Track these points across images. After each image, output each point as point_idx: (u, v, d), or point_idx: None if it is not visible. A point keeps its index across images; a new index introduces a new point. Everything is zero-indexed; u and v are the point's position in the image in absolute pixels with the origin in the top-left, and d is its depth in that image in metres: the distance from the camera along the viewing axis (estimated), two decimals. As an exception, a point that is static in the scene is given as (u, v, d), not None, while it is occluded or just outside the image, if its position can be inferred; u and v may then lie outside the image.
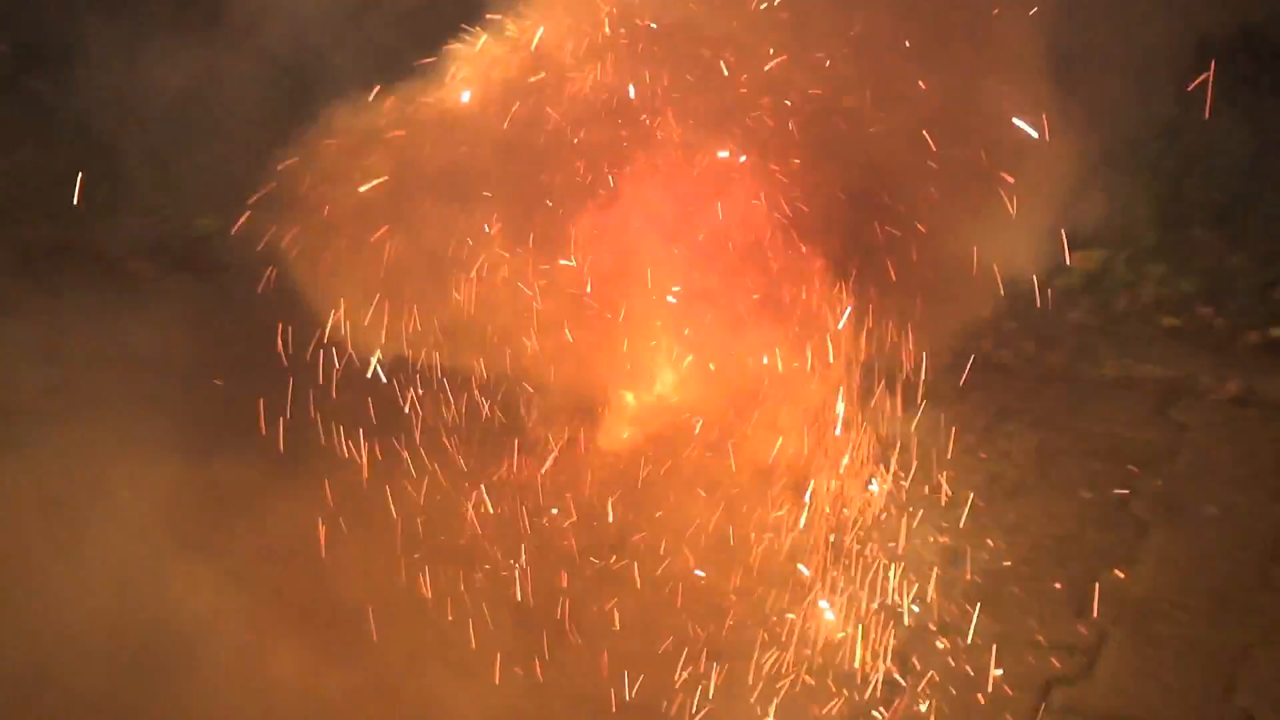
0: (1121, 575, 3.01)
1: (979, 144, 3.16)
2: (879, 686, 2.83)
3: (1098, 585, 2.96)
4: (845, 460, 3.23)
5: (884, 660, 2.88)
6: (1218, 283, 3.72)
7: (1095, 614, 2.92)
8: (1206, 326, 3.66)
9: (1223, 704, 2.71)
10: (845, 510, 3.20)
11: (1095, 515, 3.21)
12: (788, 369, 3.24)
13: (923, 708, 2.77)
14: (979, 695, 2.77)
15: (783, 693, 2.86)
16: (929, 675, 2.84)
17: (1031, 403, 3.53)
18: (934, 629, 2.93)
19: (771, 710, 2.88)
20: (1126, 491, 3.26)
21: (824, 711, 2.82)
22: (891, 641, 2.90)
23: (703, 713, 2.83)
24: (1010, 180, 3.20)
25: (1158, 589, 3.00)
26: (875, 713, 2.80)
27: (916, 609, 2.97)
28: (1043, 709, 2.73)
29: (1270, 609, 2.93)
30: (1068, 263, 3.37)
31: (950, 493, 3.17)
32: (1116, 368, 3.59)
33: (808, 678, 2.87)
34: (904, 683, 2.84)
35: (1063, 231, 3.31)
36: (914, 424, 3.25)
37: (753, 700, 2.88)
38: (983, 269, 3.19)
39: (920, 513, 3.15)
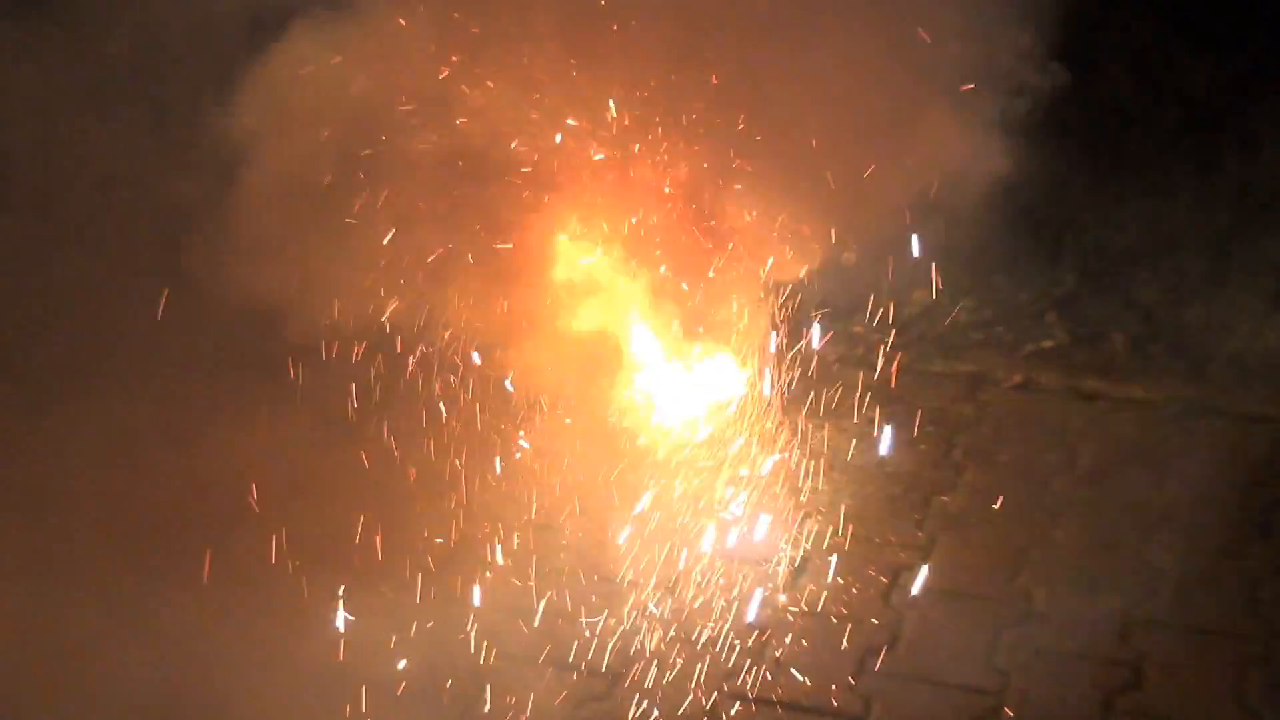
0: (946, 499, 3.22)
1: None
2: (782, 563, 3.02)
3: (929, 506, 3.20)
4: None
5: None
6: (1008, 312, 3.87)
7: (928, 525, 3.15)
8: (1000, 339, 3.81)
9: (1010, 584, 2.93)
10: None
11: (929, 461, 3.37)
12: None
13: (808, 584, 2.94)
14: (853, 578, 2.97)
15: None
16: (806, 551, 3.04)
17: (887, 387, 3.47)
18: (822, 529, 3.09)
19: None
20: (947, 448, 3.42)
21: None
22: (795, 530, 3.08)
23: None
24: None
25: (970, 508, 3.20)
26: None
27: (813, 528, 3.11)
28: (895, 587, 2.93)
29: (1041, 519, 3.12)
30: (910, 298, 3.70)
31: (833, 447, 3.33)
32: (942, 365, 3.73)
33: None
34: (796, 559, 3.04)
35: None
36: (807, 402, 3.32)
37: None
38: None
39: (814, 463, 3.25)
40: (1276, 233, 3.80)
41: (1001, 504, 3.18)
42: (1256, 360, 3.59)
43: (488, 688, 2.70)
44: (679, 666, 2.77)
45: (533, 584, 2.91)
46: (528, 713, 2.69)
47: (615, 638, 2.83)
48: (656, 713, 2.69)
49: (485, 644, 2.79)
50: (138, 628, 2.71)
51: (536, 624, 2.85)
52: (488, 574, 2.93)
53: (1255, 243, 3.81)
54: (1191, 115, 4.17)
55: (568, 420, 3.10)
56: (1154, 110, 4.20)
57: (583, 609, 2.87)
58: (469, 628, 2.82)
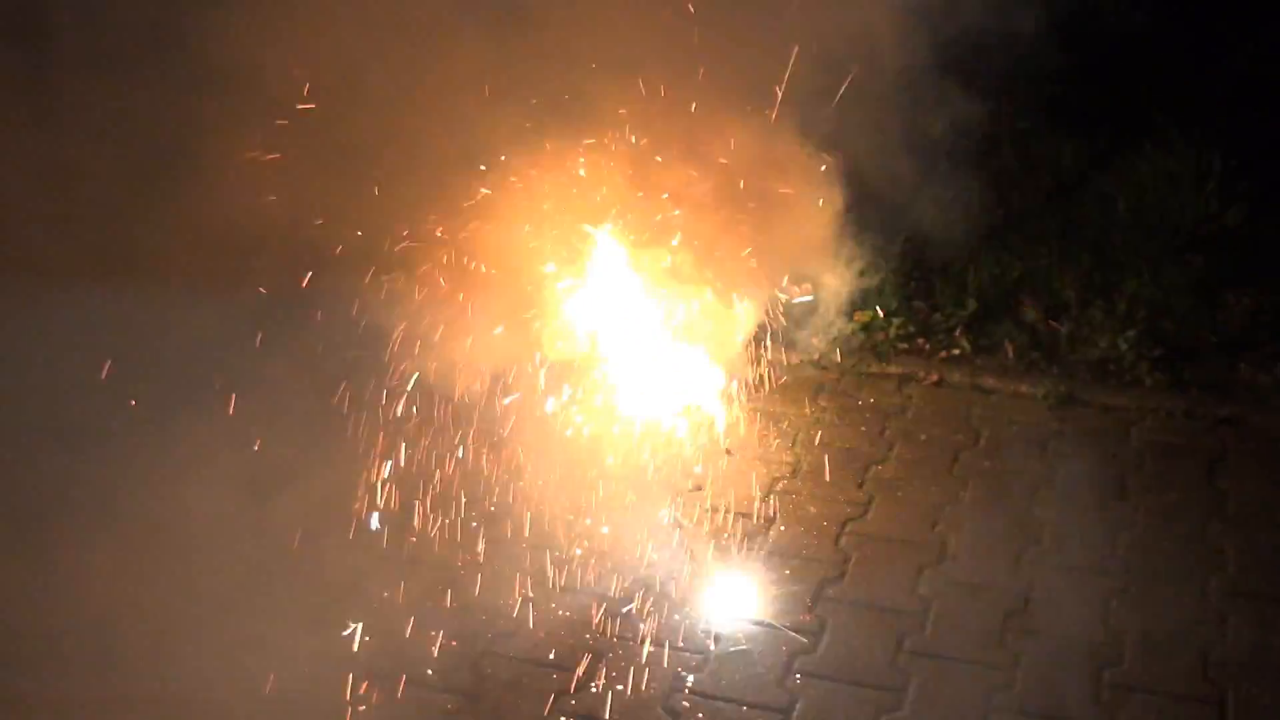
0: (880, 467, 3.28)
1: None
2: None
3: (867, 473, 3.24)
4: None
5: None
6: (927, 327, 3.84)
7: (866, 487, 3.18)
8: (921, 349, 3.78)
9: (930, 533, 2.99)
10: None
11: (866, 438, 3.41)
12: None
13: (775, 530, 2.99)
14: (809, 525, 3.01)
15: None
16: (774, 505, 3.07)
17: (835, 387, 3.65)
18: (785, 488, 3.14)
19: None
20: (881, 429, 3.44)
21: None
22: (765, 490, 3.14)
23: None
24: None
25: (898, 474, 3.26)
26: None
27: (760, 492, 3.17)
28: (842, 534, 2.99)
29: (952, 484, 3.17)
30: (854, 318, 3.80)
31: (795, 428, 3.42)
32: (877, 368, 3.74)
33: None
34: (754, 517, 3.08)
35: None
36: (766, 397, 3.51)
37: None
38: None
39: (779, 440, 3.35)
40: (1125, 270, 3.86)
41: (923, 472, 3.26)
42: (1111, 365, 3.61)
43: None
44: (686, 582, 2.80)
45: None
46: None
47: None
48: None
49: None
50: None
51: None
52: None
53: (1110, 277, 3.86)
54: (1061, 182, 4.37)
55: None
56: (1033, 178, 4.37)
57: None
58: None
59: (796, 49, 2.96)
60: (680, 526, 3.02)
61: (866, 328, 3.82)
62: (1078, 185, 4.28)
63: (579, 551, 2.91)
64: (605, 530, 2.97)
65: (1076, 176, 4.30)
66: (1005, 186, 4.24)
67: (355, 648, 2.54)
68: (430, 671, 2.52)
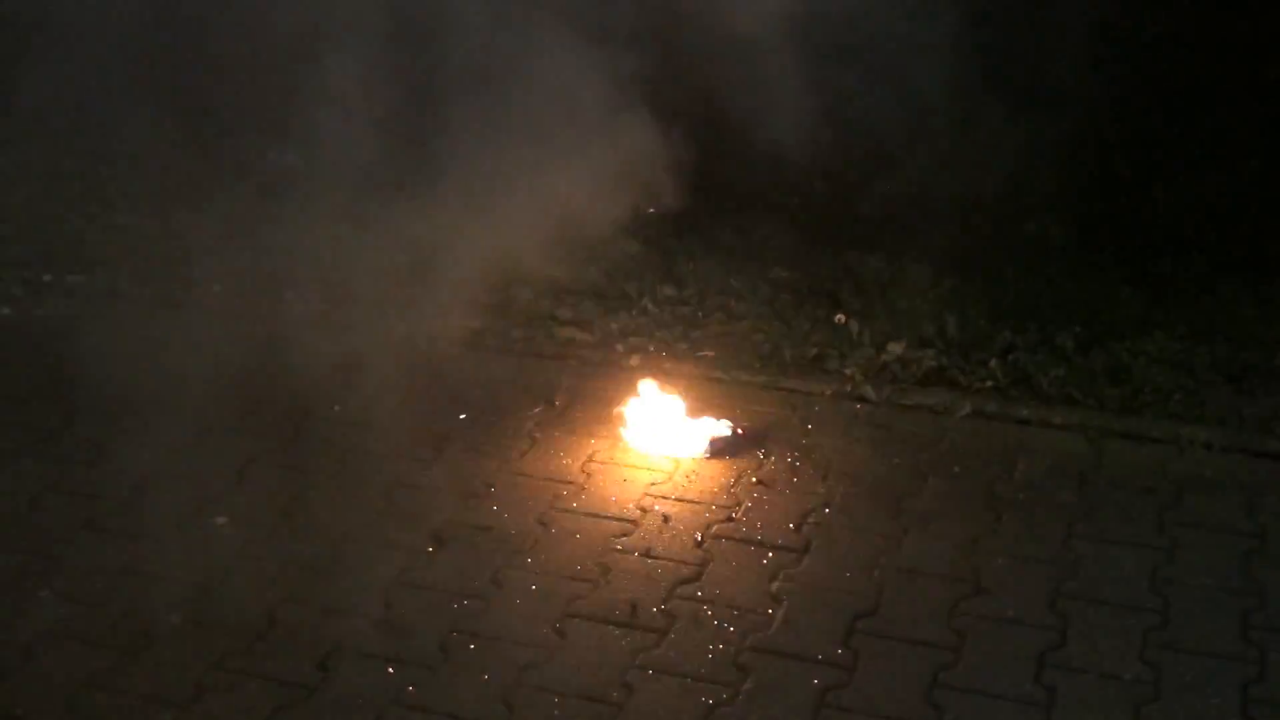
0: (914, 500, 3.19)
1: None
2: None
3: (900, 505, 3.16)
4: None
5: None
6: (962, 357, 3.73)
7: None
8: (955, 380, 3.66)
9: (965, 565, 2.93)
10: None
11: (900, 470, 3.32)
12: None
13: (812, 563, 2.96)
14: (845, 550, 2.99)
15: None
16: (810, 529, 3.03)
17: (871, 414, 3.56)
18: (819, 520, 3.09)
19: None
20: (915, 461, 3.34)
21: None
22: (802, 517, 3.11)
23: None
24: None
25: (932, 507, 3.16)
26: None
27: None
28: (880, 559, 2.94)
29: (988, 519, 3.09)
30: (887, 348, 3.75)
31: (830, 456, 3.35)
32: (911, 399, 3.60)
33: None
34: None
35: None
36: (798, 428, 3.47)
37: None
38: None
39: (815, 470, 3.28)
40: (1151, 309, 3.84)
41: (957, 505, 3.17)
42: (1147, 396, 3.54)
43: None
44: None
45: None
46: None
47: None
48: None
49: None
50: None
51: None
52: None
53: (1144, 312, 3.85)
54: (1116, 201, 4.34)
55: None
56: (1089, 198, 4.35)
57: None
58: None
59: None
60: (705, 550, 2.98)
61: (900, 359, 3.74)
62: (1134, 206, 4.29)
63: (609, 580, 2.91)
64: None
65: (1133, 196, 4.30)
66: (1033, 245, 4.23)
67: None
68: None
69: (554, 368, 3.76)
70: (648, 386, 3.50)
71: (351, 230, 3.86)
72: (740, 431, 3.43)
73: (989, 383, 3.67)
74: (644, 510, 3.15)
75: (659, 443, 3.37)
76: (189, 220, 4.22)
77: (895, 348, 3.77)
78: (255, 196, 3.95)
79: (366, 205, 3.77)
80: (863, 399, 3.63)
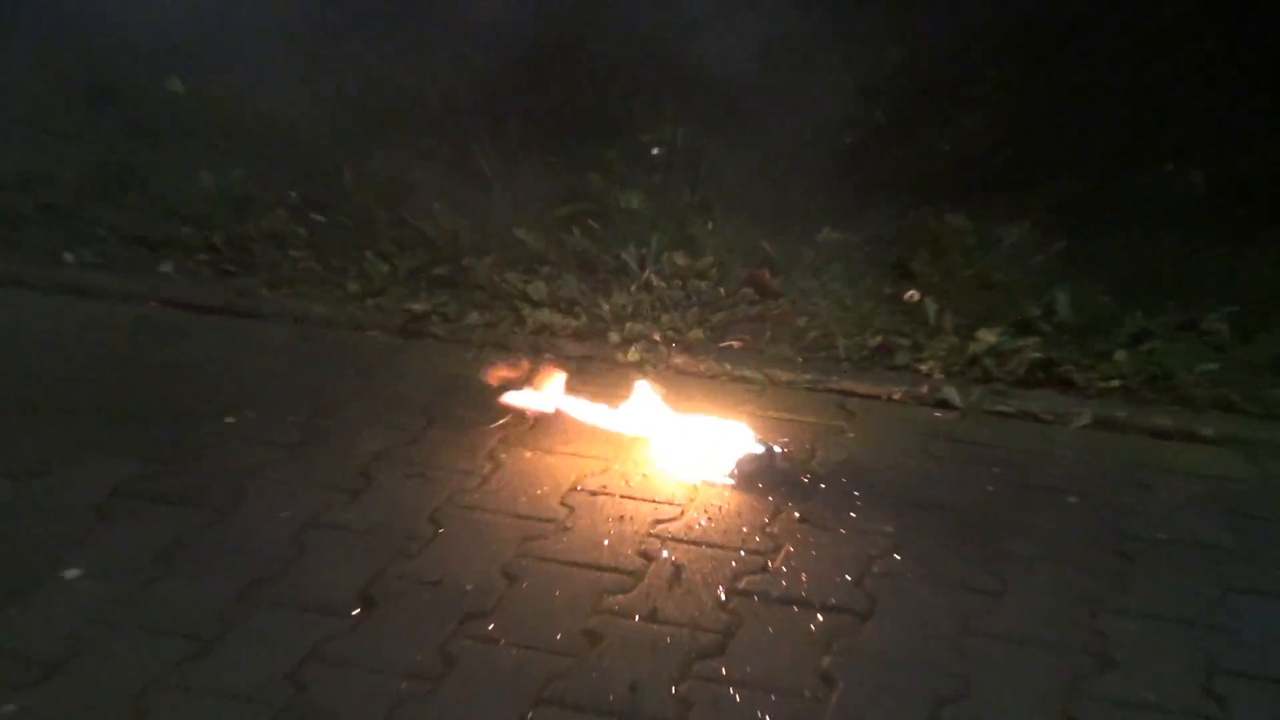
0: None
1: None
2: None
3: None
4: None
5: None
6: (1077, 349, 3.73)
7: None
8: (1068, 379, 3.64)
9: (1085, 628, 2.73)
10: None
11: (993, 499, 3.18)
12: None
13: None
14: (920, 619, 2.77)
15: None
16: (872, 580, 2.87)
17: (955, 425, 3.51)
18: (882, 568, 2.93)
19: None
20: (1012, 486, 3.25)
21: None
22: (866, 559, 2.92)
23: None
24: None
25: (1037, 550, 2.99)
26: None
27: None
28: (966, 630, 2.72)
29: (1116, 564, 2.96)
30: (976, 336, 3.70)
31: (895, 481, 3.24)
32: (1006, 404, 3.59)
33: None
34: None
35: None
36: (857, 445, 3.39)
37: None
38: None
39: (877, 498, 3.16)
40: None
41: (1071, 546, 3.01)
42: None
43: None
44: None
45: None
46: None
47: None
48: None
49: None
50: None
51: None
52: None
53: None
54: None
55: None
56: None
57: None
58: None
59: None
60: (731, 612, 2.77)
61: (995, 349, 3.64)
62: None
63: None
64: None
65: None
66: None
67: None
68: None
69: (524, 363, 3.61)
70: (651, 389, 3.39)
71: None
72: (779, 450, 3.28)
73: (1114, 382, 3.57)
74: (648, 557, 2.94)
75: (668, 465, 3.23)
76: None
77: (987, 335, 3.68)
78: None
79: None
80: (944, 404, 3.53)
